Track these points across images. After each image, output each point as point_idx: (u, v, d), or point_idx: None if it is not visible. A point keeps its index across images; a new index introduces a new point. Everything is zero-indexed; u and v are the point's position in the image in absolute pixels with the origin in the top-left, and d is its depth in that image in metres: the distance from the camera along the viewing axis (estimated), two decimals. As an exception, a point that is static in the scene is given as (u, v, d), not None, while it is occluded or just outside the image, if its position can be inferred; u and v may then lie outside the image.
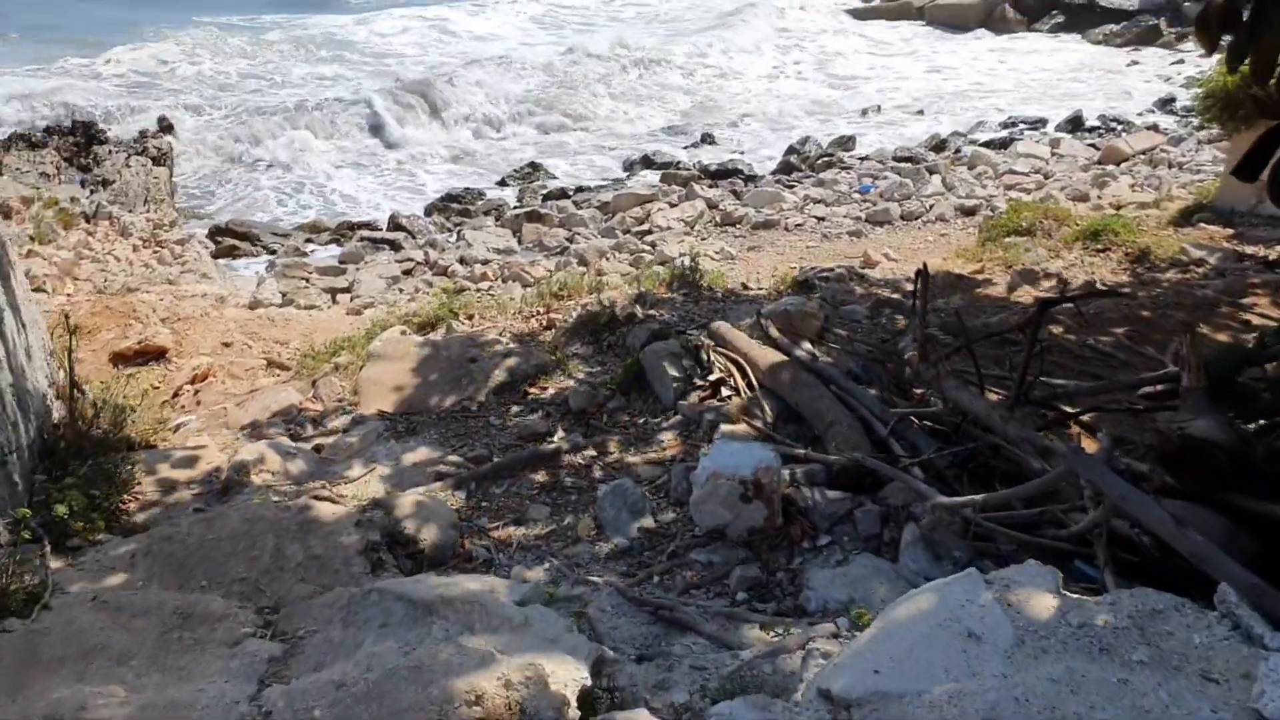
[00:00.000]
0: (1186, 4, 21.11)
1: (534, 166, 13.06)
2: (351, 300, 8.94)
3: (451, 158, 13.74)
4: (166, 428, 4.02)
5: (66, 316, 4.04)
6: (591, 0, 22.96)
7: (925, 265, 4.27)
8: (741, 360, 3.79)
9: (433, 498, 3.04)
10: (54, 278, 7.71)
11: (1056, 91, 16.82)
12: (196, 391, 5.05)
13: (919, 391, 3.62)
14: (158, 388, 5.22)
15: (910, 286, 5.60)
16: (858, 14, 23.86)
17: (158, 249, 9.57)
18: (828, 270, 5.79)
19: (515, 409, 3.99)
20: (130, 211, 10.98)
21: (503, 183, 12.76)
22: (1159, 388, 2.90)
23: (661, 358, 3.90)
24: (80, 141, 13.86)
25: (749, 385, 3.67)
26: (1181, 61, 18.90)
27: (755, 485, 2.76)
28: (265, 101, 15.31)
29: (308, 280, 9.85)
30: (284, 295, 9.12)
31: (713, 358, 3.85)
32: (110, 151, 13.06)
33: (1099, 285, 5.47)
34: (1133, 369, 3.97)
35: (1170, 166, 11.62)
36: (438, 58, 19.20)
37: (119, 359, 5.57)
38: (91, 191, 11.76)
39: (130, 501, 2.96)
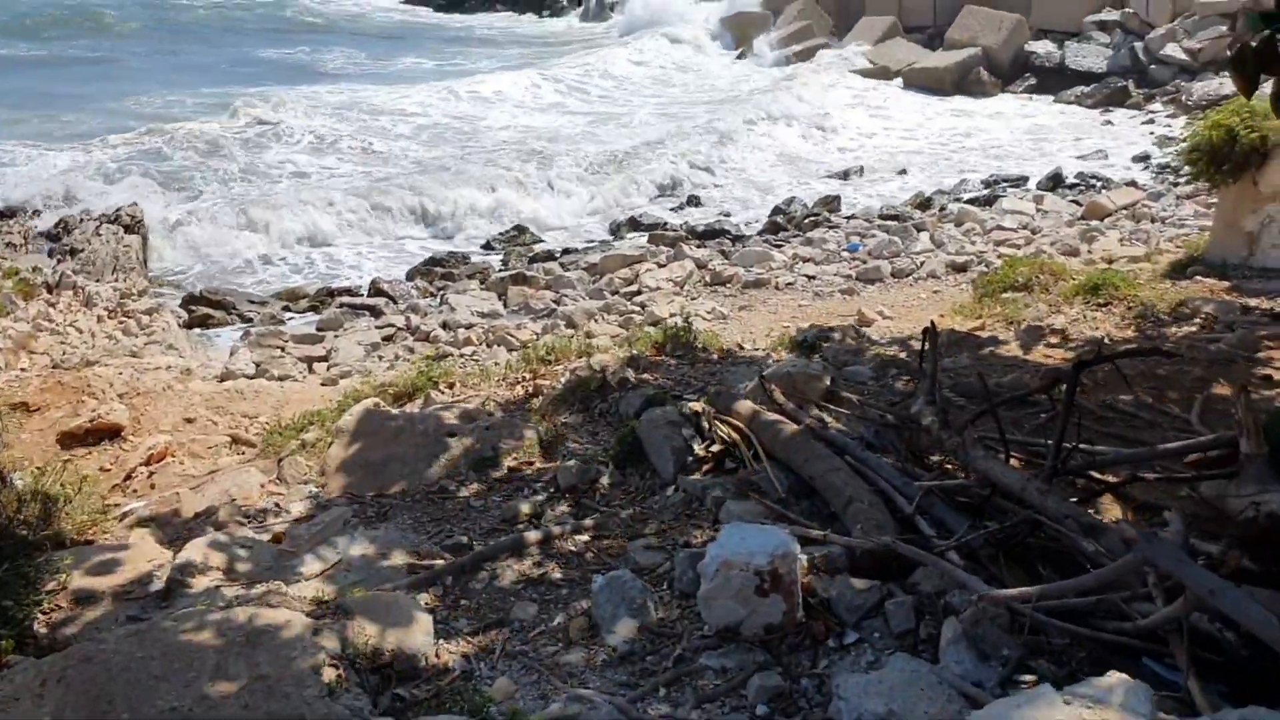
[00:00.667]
0: (1153, 67, 21.51)
1: (520, 229, 12.86)
2: (328, 369, 8.58)
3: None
4: (108, 518, 3.64)
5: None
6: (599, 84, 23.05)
7: (933, 323, 4.01)
8: (746, 428, 3.48)
9: (404, 596, 2.68)
10: (7, 351, 7.32)
11: (1034, 150, 16.92)
12: (150, 474, 4.68)
13: (938, 460, 3.32)
14: (108, 470, 4.85)
15: (914, 345, 5.34)
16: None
17: (124, 319, 9.22)
18: (826, 329, 5.52)
19: (498, 488, 3.65)
20: (97, 281, 10.63)
21: (488, 246, 12.53)
22: (1208, 454, 2.60)
23: (659, 427, 3.58)
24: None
25: (755, 456, 3.35)
26: (1152, 121, 19.19)
27: (772, 575, 2.42)
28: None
29: (283, 349, 9.48)
30: (257, 365, 8.75)
31: (715, 426, 3.53)
32: (81, 219, 12.77)
33: (1134, 344, 5.24)
34: (1159, 430, 3.69)
35: (1154, 221, 11.56)
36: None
37: (68, 439, 5.20)
38: (58, 261, 11.42)
39: (49, 612, 2.58)
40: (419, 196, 13.51)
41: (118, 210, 13.10)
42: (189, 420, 5.70)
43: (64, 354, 7.71)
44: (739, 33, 29.67)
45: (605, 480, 3.58)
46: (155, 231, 12.57)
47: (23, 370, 6.96)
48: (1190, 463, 2.69)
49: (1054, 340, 5.23)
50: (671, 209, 13.62)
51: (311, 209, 13.15)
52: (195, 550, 2.96)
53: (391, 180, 14.66)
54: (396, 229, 13.07)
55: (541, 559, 3.04)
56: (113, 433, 5.30)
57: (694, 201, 13.97)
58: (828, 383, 4.15)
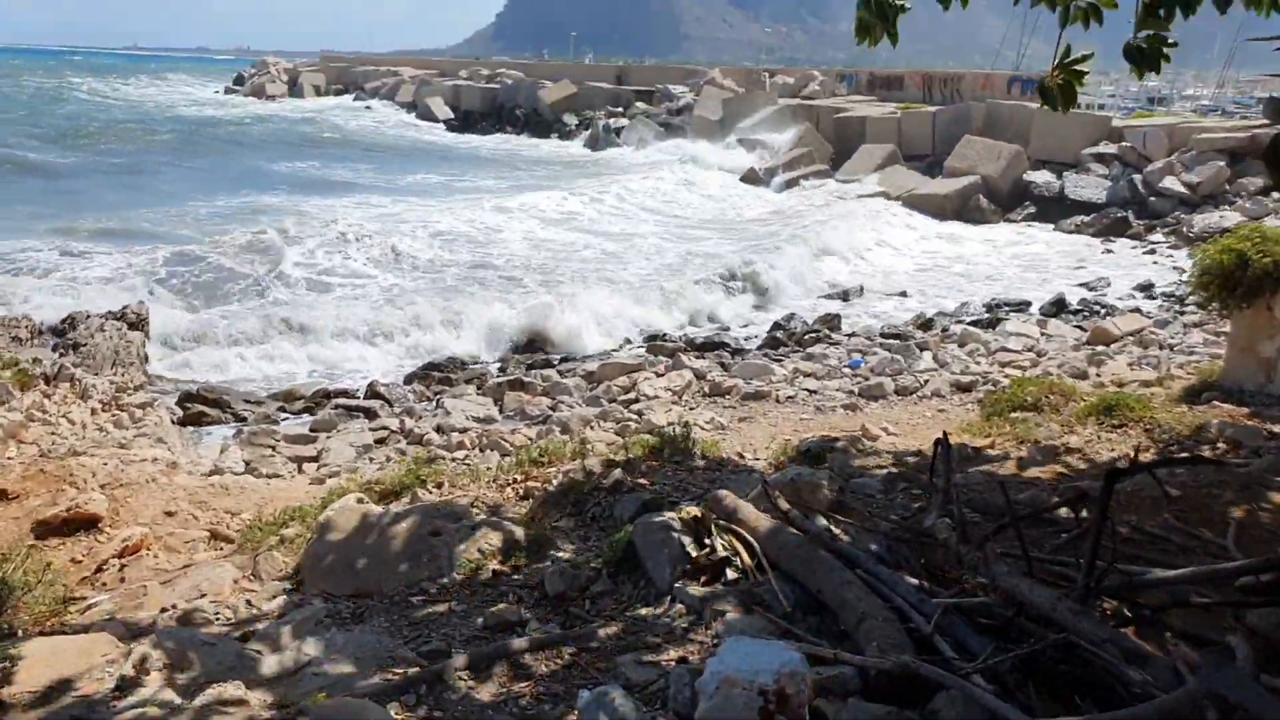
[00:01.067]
0: (1152, 199, 21.99)
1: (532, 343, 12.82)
2: (318, 469, 8.38)
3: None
4: (69, 610, 3.40)
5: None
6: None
7: (945, 434, 3.85)
8: (749, 536, 3.27)
9: (372, 705, 2.43)
10: (-4, 440, 7.15)
11: (1035, 276, 17.11)
12: (122, 566, 4.45)
13: (956, 577, 3.10)
14: (79, 561, 4.61)
15: (924, 458, 5.15)
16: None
17: (118, 412, 9.07)
18: (832, 440, 5.35)
19: (481, 592, 3.41)
20: (96, 374, 10.54)
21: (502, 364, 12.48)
22: (1262, 578, 2.40)
23: (655, 532, 3.38)
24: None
25: (759, 566, 3.14)
26: (1154, 251, 19.48)
27: (779, 696, 2.19)
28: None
29: (274, 448, 9.31)
30: (247, 464, 8.56)
31: (715, 532, 3.33)
32: (87, 315, 12.83)
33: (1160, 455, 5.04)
34: (1194, 555, 3.47)
35: (1162, 348, 11.51)
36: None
37: (43, 528, 4.98)
38: (59, 354, 11.38)
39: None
40: (431, 308, 13.45)
41: (124, 308, 13.18)
42: (169, 514, 5.48)
43: (53, 444, 7.53)
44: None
45: (596, 587, 3.35)
46: (160, 333, 12.58)
47: (8, 459, 6.76)
48: (1240, 588, 2.48)
49: (1070, 459, 5.04)
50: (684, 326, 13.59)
51: (318, 316, 13.21)
52: (153, 647, 2.73)
53: (399, 290, 14.81)
54: (403, 338, 13.01)
55: (524, 671, 2.79)
56: (90, 523, 5.09)
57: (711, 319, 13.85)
58: (834, 493, 3.96)
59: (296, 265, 15.99)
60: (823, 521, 3.45)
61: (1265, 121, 32.13)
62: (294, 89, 67.44)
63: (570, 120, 42.22)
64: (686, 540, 3.34)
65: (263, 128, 41.46)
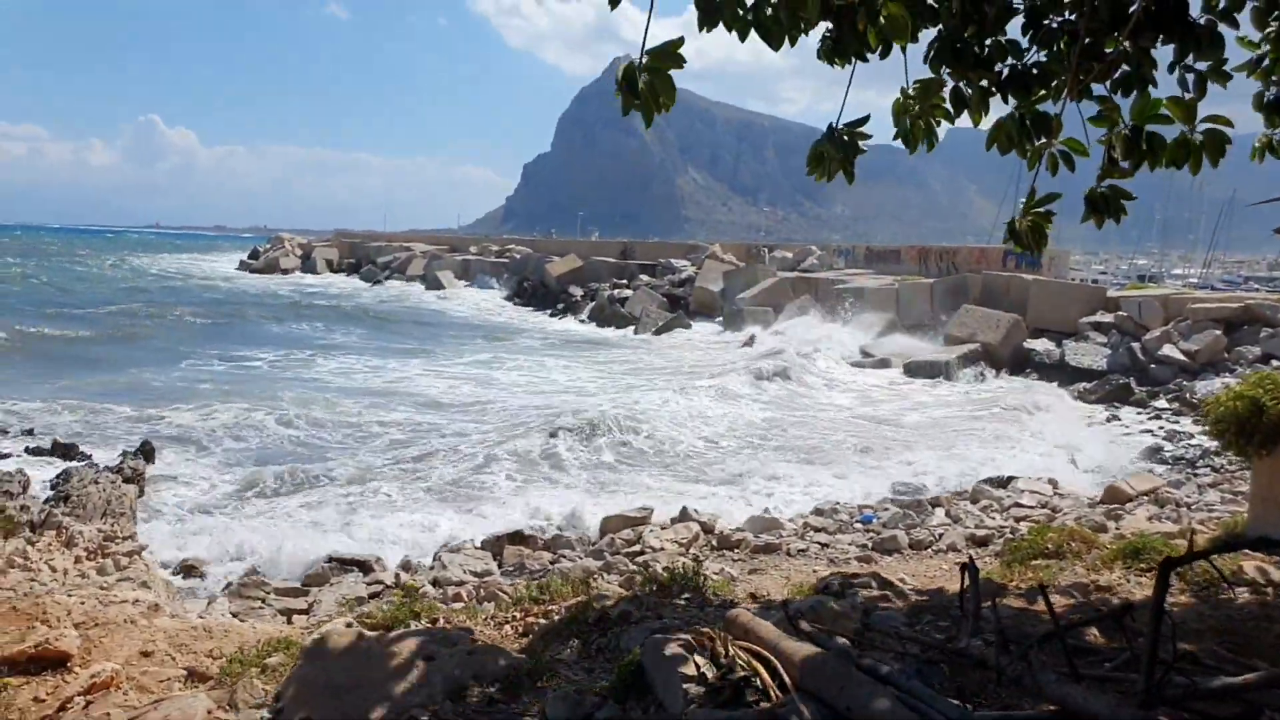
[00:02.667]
0: (1153, 367, 22.17)
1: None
2: (308, 620, 7.99)
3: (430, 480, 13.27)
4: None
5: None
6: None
7: (971, 558, 3.65)
8: (769, 655, 3.01)
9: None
10: (-31, 587, 6.85)
11: (1042, 436, 16.95)
12: (88, 704, 4.11)
13: (994, 697, 2.83)
14: (43, 700, 4.27)
15: (948, 593, 4.88)
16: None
17: (102, 560, 8.76)
18: (850, 577, 5.08)
19: None
20: (85, 524, 10.27)
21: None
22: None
23: (668, 653, 3.11)
24: (53, 460, 13.65)
25: (781, 687, 2.87)
26: (1159, 417, 19.43)
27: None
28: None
29: (264, 600, 8.94)
30: (235, 615, 8.19)
31: (733, 652, 3.06)
32: (81, 467, 12.72)
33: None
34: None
35: (1179, 506, 11.25)
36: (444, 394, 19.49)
37: (7, 665, 4.65)
38: (52, 505, 11.16)
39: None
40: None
41: (121, 462, 13.07)
42: (146, 654, 5.14)
43: (30, 590, 7.22)
44: (739, 325, 31.21)
45: (602, 714, 3.06)
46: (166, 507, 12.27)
47: (-20, 602, 6.44)
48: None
49: (1101, 597, 4.76)
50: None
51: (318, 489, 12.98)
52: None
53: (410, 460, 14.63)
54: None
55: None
56: (59, 661, 4.76)
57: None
58: (858, 621, 3.70)
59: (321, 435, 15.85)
60: (845, 642, 3.19)
61: (1258, 292, 32.88)
62: (307, 263, 69.67)
63: (576, 291, 43.34)
64: (701, 660, 3.07)
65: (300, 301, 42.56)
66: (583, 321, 38.35)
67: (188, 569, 10.05)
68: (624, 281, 42.54)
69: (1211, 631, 3.92)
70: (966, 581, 3.73)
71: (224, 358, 24.94)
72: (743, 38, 3.57)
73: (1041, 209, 3.84)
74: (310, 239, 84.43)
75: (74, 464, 13.30)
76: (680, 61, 3.32)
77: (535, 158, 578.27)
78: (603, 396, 19.85)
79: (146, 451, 13.96)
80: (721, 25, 3.53)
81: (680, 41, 3.32)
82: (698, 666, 3.05)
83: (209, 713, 3.44)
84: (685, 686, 3.00)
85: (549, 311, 42.35)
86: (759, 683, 2.93)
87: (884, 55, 3.74)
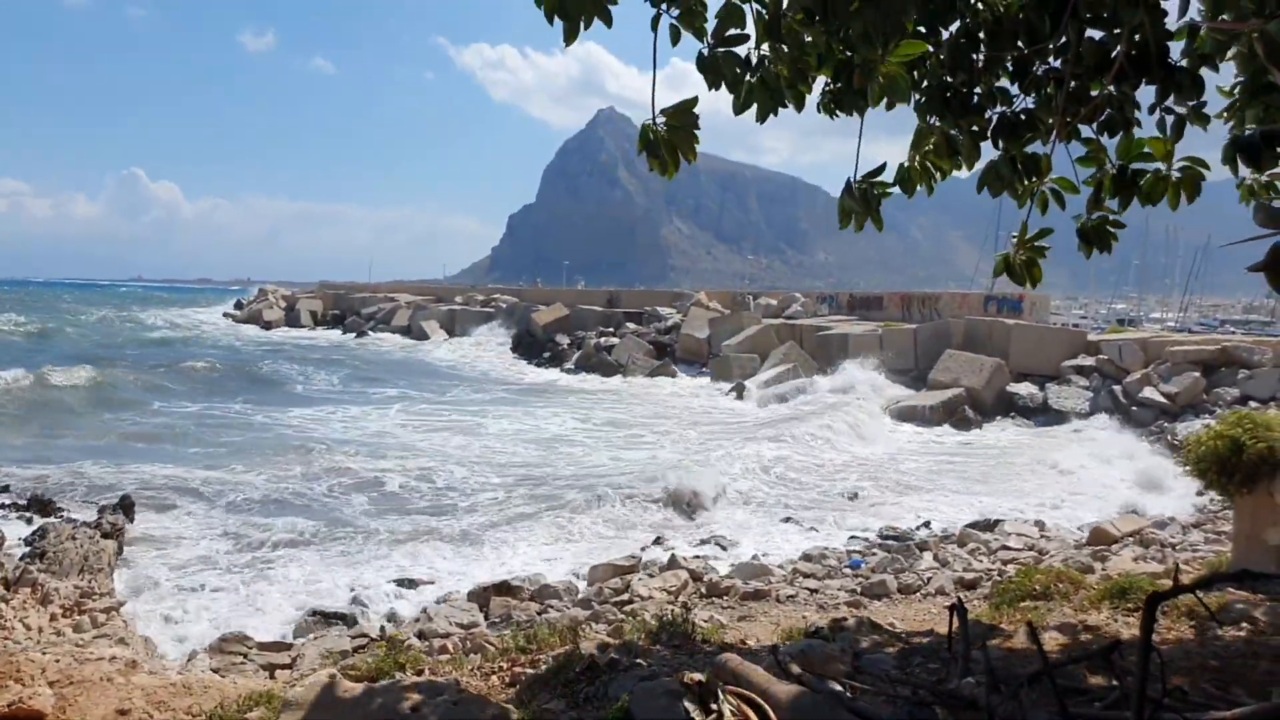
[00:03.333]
0: (1134, 409, 22.35)
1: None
2: (291, 674, 7.84)
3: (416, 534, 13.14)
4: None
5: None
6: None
7: (960, 599, 3.64)
8: (759, 700, 2.98)
9: None
10: (-56, 643, 6.70)
11: (1028, 477, 17.01)
12: (63, 763, 4.01)
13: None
14: (16, 760, 4.16)
15: (937, 635, 4.85)
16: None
17: (79, 617, 8.60)
18: (840, 620, 5.04)
19: (464, 770, 3.06)
20: (61, 580, 10.09)
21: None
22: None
23: (655, 699, 3.07)
24: (30, 516, 13.44)
25: (771, 731, 2.83)
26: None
27: None
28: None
29: (246, 656, 8.77)
30: (215, 671, 8.03)
31: (723, 698, 3.03)
32: (58, 523, 12.54)
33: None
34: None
35: (1164, 546, 11.27)
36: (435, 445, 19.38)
37: (-20, 725, 4.54)
38: (28, 561, 10.97)
39: None
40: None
41: (99, 518, 12.88)
42: (122, 713, 5.03)
43: (2, 648, 7.06)
44: (724, 374, 31.25)
45: (592, 763, 3.01)
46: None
47: (-49, 662, 6.29)
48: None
49: (1089, 637, 4.75)
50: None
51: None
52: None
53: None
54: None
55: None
56: (32, 720, 4.65)
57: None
58: (849, 664, 3.67)
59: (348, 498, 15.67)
60: (836, 685, 3.17)
61: (1234, 335, 33.31)
62: (290, 315, 69.49)
63: (562, 340, 43.41)
64: (690, 706, 3.03)
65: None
66: (568, 370, 38.29)
67: (167, 623, 9.89)
68: (610, 329, 42.67)
69: (1199, 668, 3.91)
70: (955, 624, 3.71)
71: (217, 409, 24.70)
72: (741, 103, 3.72)
73: (1036, 243, 3.93)
74: (294, 290, 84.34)
75: (51, 520, 13.09)
76: (695, 120, 3.55)
77: (520, 208, 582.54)
78: (610, 451, 19.77)
79: (126, 507, 13.77)
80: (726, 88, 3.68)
81: (695, 101, 3.53)
82: (687, 712, 3.02)
83: (188, 770, 3.35)
84: (674, 733, 2.96)
85: (534, 361, 42.33)
86: (749, 728, 2.90)
87: (889, 108, 3.84)
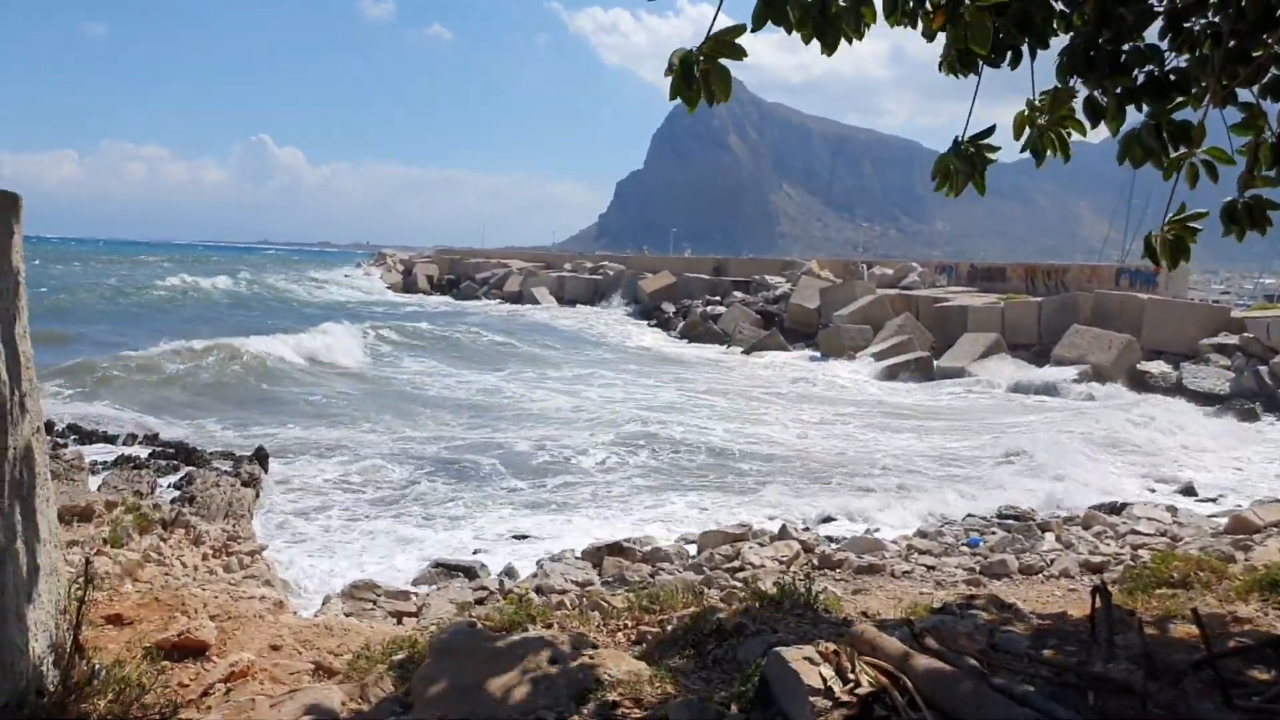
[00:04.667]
0: None
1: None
2: (419, 622, 8.23)
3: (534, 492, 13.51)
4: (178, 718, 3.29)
5: (88, 562, 3.51)
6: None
7: (1104, 581, 3.54)
8: (897, 672, 2.98)
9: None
10: (114, 577, 7.31)
11: (1162, 460, 16.23)
12: (228, 691, 4.34)
13: (1139, 728, 2.73)
14: (186, 686, 4.53)
15: (1071, 618, 4.73)
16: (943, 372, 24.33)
17: (227, 558, 9.21)
18: (968, 598, 4.97)
19: (602, 721, 3.18)
20: (210, 523, 10.81)
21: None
22: None
23: (793, 666, 3.11)
24: (177, 463, 14.37)
25: (911, 704, 2.84)
26: (1289, 443, 18.38)
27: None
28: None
29: (375, 603, 9.25)
30: (348, 615, 8.49)
31: (860, 668, 3.05)
32: (203, 471, 13.42)
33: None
34: None
35: (1313, 538, 10.61)
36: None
37: (154, 651, 4.95)
38: (180, 505, 11.78)
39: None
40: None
41: (239, 467, 13.72)
42: (275, 648, 5.40)
43: (165, 583, 7.64)
44: (833, 346, 30.67)
45: (728, 723, 3.08)
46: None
47: (124, 592, 6.87)
48: None
49: (1242, 629, 4.54)
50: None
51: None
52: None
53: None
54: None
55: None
56: (199, 649, 5.05)
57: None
58: (983, 642, 3.63)
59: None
60: (976, 663, 3.14)
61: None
62: (408, 279, 71.61)
63: (668, 308, 43.49)
64: (828, 674, 3.06)
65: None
66: (673, 337, 38.37)
67: (300, 570, 10.49)
68: (717, 298, 42.49)
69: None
70: (1097, 605, 3.62)
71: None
72: (805, 37, 3.44)
73: (1189, 223, 3.69)
74: (411, 255, 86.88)
75: (195, 468, 13.98)
76: (739, 53, 3.16)
77: (628, 175, 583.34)
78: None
79: (261, 458, 14.61)
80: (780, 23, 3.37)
81: (740, 29, 3.17)
82: (824, 680, 3.05)
83: (343, 704, 3.59)
84: (812, 700, 2.99)
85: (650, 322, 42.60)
86: (889, 700, 2.91)
87: (1014, 65, 3.68)
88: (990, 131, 3.85)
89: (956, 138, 3.85)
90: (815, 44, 3.42)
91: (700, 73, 3.15)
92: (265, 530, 11.82)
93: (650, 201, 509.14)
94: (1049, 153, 4.01)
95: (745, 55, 3.17)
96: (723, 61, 3.15)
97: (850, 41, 3.51)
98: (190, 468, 14.24)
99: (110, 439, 15.68)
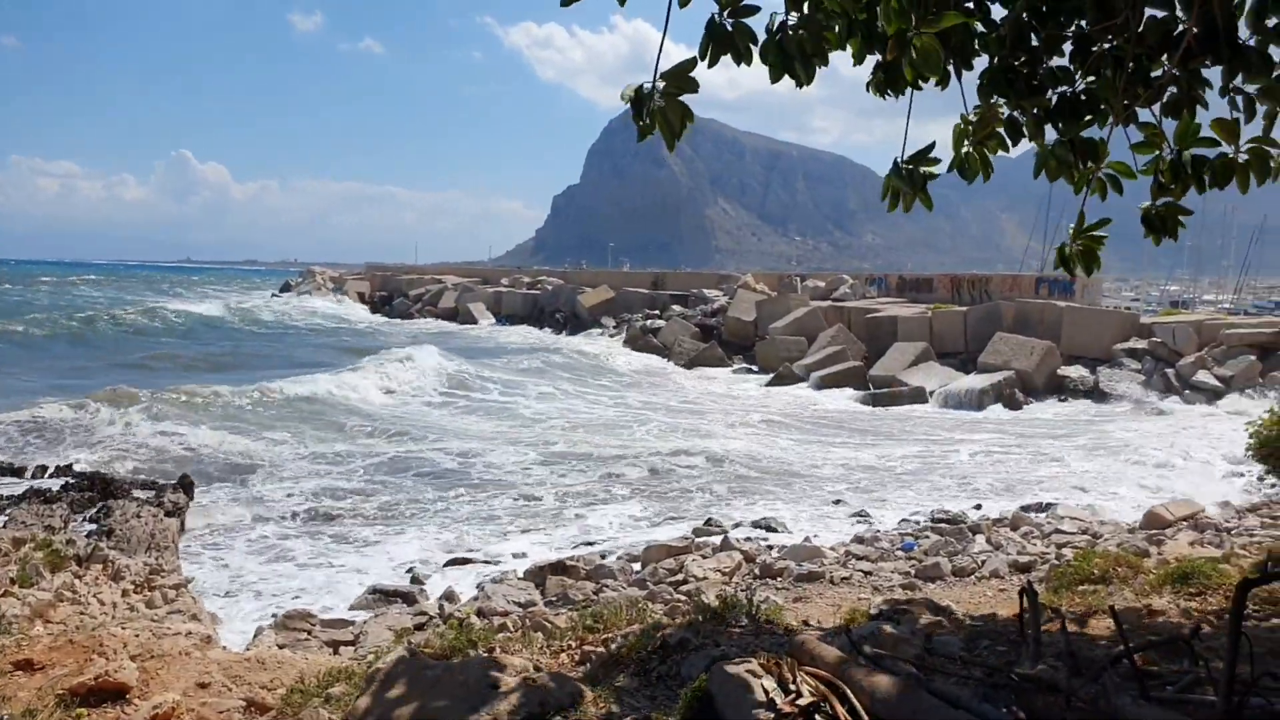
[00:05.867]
0: (1187, 392, 21.92)
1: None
2: (356, 651, 8.06)
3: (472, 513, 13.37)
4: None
5: None
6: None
7: (1029, 583, 3.65)
8: (838, 681, 3.03)
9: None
10: (23, 619, 6.98)
11: (1082, 462, 16.79)
12: (154, 732, 4.19)
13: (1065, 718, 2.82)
14: (105, 730, 4.36)
15: (1002, 618, 4.86)
16: (874, 399, 24.76)
17: (149, 593, 8.90)
18: (903, 603, 5.07)
19: (547, 744, 3.15)
20: (130, 557, 10.43)
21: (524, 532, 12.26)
22: None
23: (734, 679, 3.14)
24: (95, 495, 13.79)
25: (852, 713, 2.88)
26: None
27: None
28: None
29: (310, 633, 9.03)
30: (281, 647, 8.28)
31: (801, 678, 3.08)
32: (122, 501, 12.91)
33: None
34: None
35: (1219, 531, 11.09)
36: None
37: (68, 698, 4.75)
38: (97, 539, 11.34)
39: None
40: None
41: (161, 496, 13.27)
42: (203, 685, 5.22)
43: (80, 623, 7.35)
44: (769, 358, 31.06)
45: (672, 740, 3.09)
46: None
47: (35, 634, 6.57)
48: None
49: (1156, 620, 4.72)
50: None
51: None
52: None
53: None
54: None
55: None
56: (119, 693, 4.85)
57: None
58: (919, 647, 3.71)
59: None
60: (912, 669, 3.20)
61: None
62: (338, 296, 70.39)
63: (608, 322, 43.53)
64: (770, 686, 3.09)
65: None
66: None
67: (230, 599, 10.20)
68: (656, 312, 42.69)
69: (1272, 654, 3.88)
70: (1025, 606, 3.73)
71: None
72: (773, 76, 3.53)
73: (1094, 233, 3.87)
74: (342, 272, 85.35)
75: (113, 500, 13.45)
76: (693, 85, 3.23)
77: (564, 189, 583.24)
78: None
79: (186, 485, 14.17)
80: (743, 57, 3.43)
81: (692, 63, 3.24)
82: (766, 693, 3.08)
83: (278, 739, 3.49)
84: (755, 713, 3.02)
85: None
86: (830, 709, 2.95)
87: (943, 85, 3.79)
88: (929, 150, 3.98)
89: (896, 159, 3.97)
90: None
91: (659, 110, 3.24)
92: (191, 561, 11.47)
93: (587, 216, 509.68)
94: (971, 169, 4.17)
95: (697, 88, 3.25)
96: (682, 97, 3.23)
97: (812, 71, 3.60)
98: (108, 500, 13.68)
99: (17, 472, 14.99)
